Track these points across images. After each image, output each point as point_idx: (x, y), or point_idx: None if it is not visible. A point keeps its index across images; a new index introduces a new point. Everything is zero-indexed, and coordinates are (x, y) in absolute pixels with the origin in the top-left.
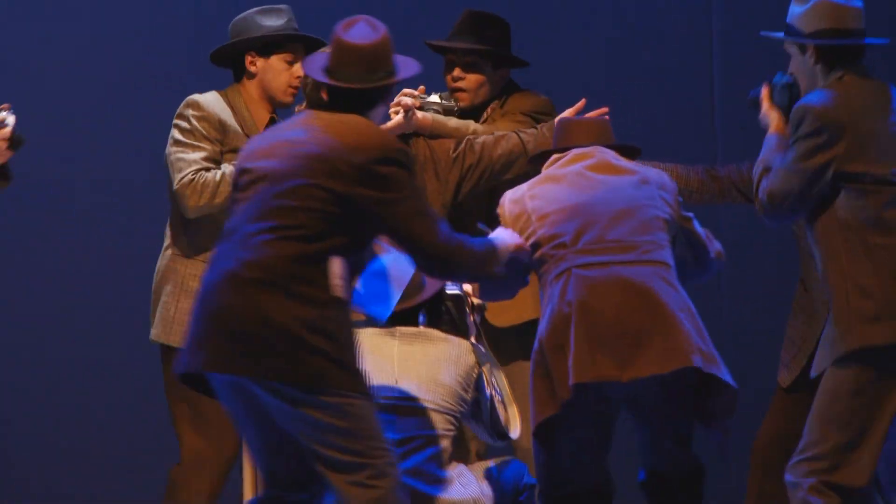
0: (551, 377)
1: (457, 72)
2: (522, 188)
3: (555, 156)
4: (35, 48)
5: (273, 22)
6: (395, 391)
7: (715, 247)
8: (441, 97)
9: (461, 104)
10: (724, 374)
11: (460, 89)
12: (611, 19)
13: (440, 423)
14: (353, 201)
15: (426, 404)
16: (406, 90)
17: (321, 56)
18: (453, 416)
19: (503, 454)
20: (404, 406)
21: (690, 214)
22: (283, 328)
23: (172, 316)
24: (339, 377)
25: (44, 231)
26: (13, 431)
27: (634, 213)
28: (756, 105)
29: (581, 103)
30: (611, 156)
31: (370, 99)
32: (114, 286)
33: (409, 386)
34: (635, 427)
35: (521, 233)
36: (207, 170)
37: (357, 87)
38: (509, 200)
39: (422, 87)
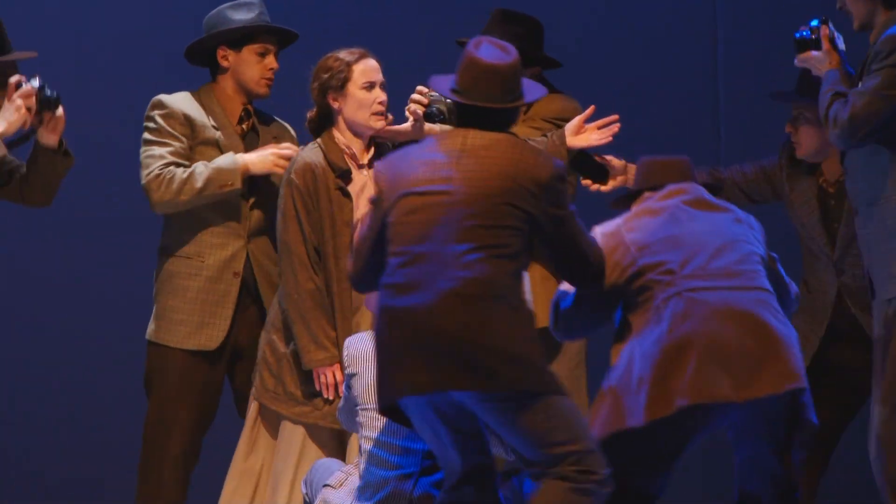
0: (646, 391)
1: None
2: (616, 222)
3: (647, 193)
4: (34, 47)
5: (243, 15)
6: None
7: (793, 289)
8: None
9: None
10: (809, 410)
11: None
12: (614, 21)
13: None
14: (538, 219)
15: None
16: (414, 95)
17: (446, 77)
18: None
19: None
20: None
21: (775, 255)
22: (515, 341)
23: (160, 314)
24: (555, 383)
25: (44, 231)
26: (13, 431)
27: (734, 246)
28: (802, 45)
29: (590, 110)
30: (704, 193)
31: (505, 119)
32: (114, 286)
33: None
34: (737, 449)
35: (617, 264)
36: (177, 165)
37: (497, 106)
38: (602, 234)
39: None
